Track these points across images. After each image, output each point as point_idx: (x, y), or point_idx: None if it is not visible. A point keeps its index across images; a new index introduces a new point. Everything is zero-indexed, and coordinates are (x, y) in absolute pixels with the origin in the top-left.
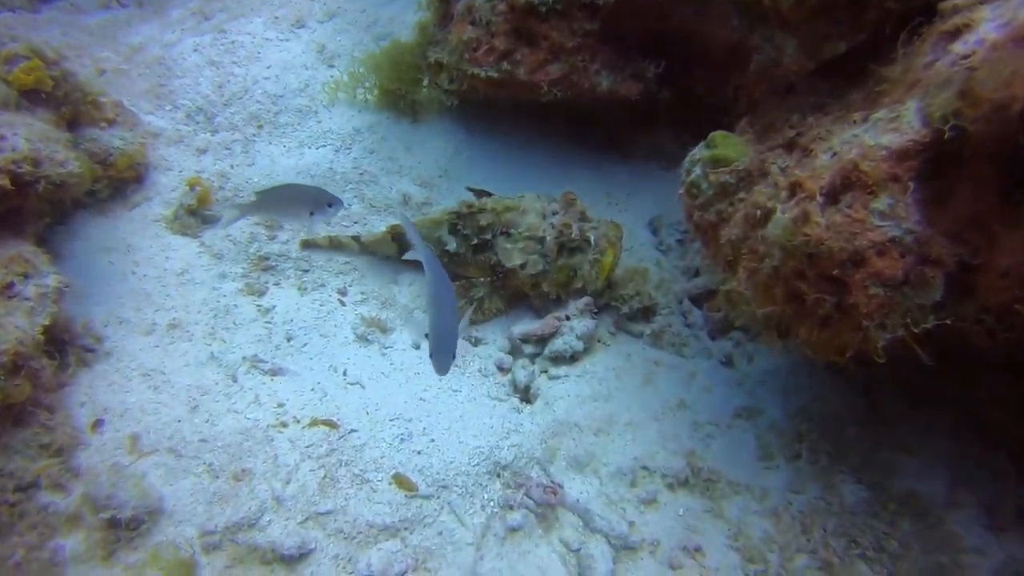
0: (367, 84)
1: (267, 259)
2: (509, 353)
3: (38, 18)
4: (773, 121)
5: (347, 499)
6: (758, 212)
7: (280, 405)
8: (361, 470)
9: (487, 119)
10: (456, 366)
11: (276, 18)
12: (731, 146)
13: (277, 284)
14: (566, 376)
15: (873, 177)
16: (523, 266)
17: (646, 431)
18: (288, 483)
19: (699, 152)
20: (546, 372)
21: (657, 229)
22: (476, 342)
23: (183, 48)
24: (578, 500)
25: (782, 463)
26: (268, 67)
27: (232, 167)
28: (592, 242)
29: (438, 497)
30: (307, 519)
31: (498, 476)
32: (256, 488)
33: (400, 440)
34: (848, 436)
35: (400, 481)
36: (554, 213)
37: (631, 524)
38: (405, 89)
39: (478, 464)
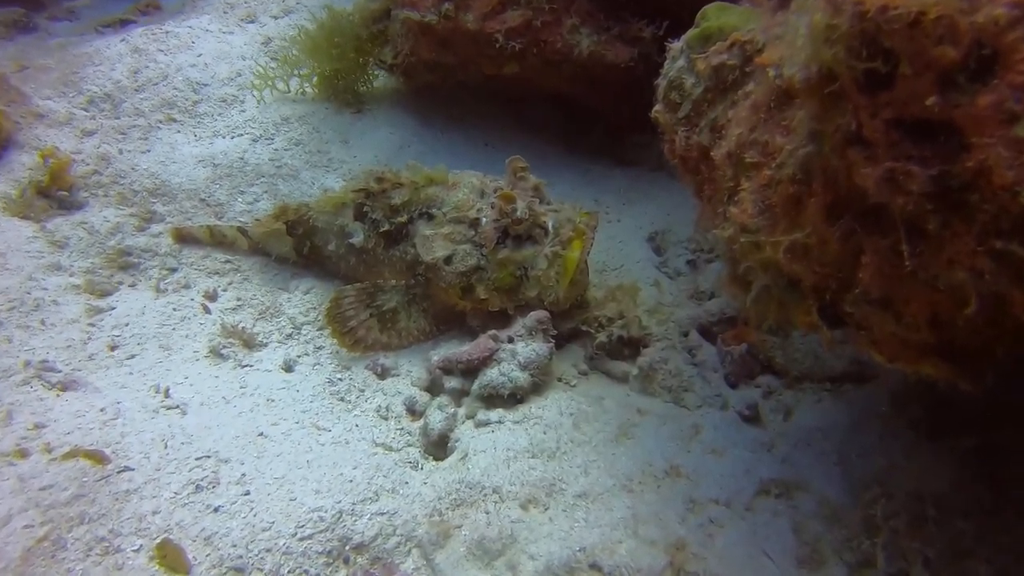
0: (302, 72)
1: (128, 254)
2: (427, 390)
3: (8, 44)
4: None
5: None
6: (773, 75)
7: (37, 427)
8: (111, 531)
9: (448, 109)
10: (341, 399)
11: (225, 13)
12: (731, 14)
13: (132, 285)
14: (499, 423)
15: None
16: (448, 260)
17: (608, 507)
18: None
19: (682, 41)
20: (473, 417)
21: (661, 247)
22: (383, 372)
23: (111, 40)
24: None
25: (841, 571)
26: (199, 55)
27: (120, 152)
28: (550, 230)
29: None
30: None
31: (345, 561)
32: None
33: (196, 489)
34: (962, 531)
35: (166, 555)
36: (496, 191)
37: None
38: (347, 73)
39: (311, 536)
